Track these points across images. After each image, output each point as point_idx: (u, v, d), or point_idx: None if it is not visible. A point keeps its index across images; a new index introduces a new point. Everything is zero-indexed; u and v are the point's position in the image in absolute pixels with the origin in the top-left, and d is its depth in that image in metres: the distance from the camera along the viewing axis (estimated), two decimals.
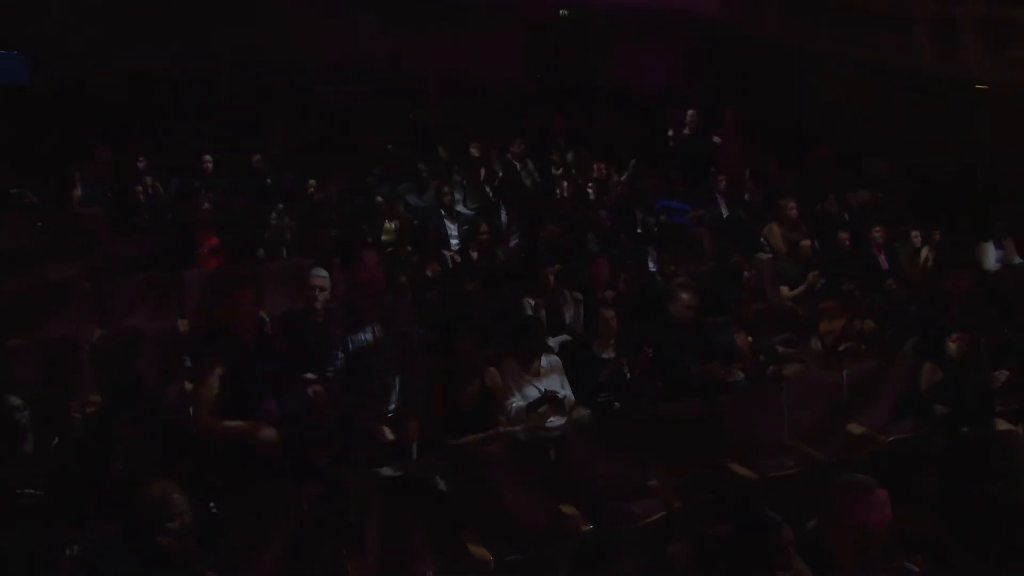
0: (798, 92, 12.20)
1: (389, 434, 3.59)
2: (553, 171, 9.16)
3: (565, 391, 4.62)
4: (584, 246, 6.65)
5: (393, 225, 6.73)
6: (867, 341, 5.76)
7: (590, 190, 7.61)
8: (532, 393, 4.53)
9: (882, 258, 7.18)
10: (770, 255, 7.04)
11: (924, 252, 7.26)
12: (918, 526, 3.53)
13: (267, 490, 3.39)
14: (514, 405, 4.45)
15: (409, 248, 6.45)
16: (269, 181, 7.39)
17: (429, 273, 5.89)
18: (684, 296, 5.09)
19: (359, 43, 13.07)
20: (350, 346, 3.49)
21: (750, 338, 5.46)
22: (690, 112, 8.45)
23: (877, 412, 5.07)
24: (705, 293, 5.42)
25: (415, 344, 3.73)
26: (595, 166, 8.52)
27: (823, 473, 4.45)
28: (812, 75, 12.02)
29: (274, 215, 6.34)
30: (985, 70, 9.38)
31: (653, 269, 6.83)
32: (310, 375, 3.57)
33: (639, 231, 7.35)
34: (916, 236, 7.35)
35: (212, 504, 3.29)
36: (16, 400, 3.56)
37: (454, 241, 6.91)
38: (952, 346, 5.08)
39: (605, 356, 4.88)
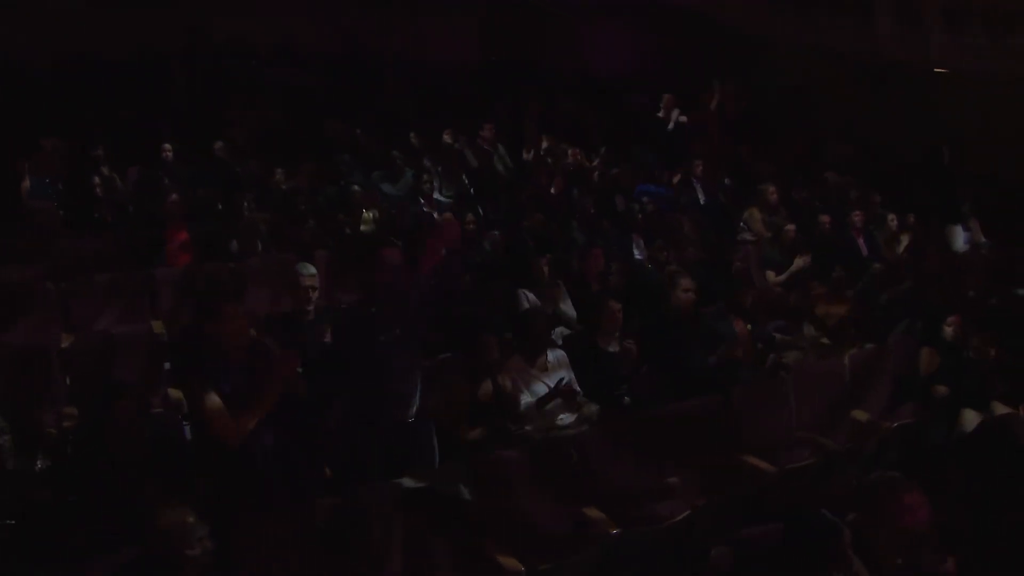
0: (760, 77, 12.24)
1: None
2: (525, 157, 8.99)
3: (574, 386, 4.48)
4: (570, 235, 6.50)
5: (371, 215, 6.44)
6: (857, 327, 5.78)
7: (567, 177, 7.44)
8: (540, 389, 4.37)
9: (861, 242, 7.23)
10: (754, 240, 7.01)
11: (904, 236, 7.33)
12: (948, 518, 3.49)
13: (279, 508, 3.14)
14: (524, 402, 4.29)
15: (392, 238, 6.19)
16: (238, 170, 6.98)
17: None
18: (683, 281, 4.99)
19: (312, 26, 12.59)
20: (369, 344, 3.26)
21: (749, 327, 5.40)
22: (665, 96, 8.35)
23: (878, 398, 5.08)
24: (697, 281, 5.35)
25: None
26: (570, 152, 8.36)
27: (839, 463, 4.46)
28: (774, 60, 12.06)
29: (246, 207, 5.99)
30: (946, 55, 9.52)
31: (639, 257, 6.74)
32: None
33: (621, 218, 7.23)
34: (893, 220, 7.42)
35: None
36: None
37: None
38: (949, 329, 5.11)
39: (610, 349, 4.76)
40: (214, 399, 3.01)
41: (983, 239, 7.97)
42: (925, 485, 3.27)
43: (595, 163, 8.66)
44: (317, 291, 4.30)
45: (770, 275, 6.73)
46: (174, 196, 5.76)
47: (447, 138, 8.54)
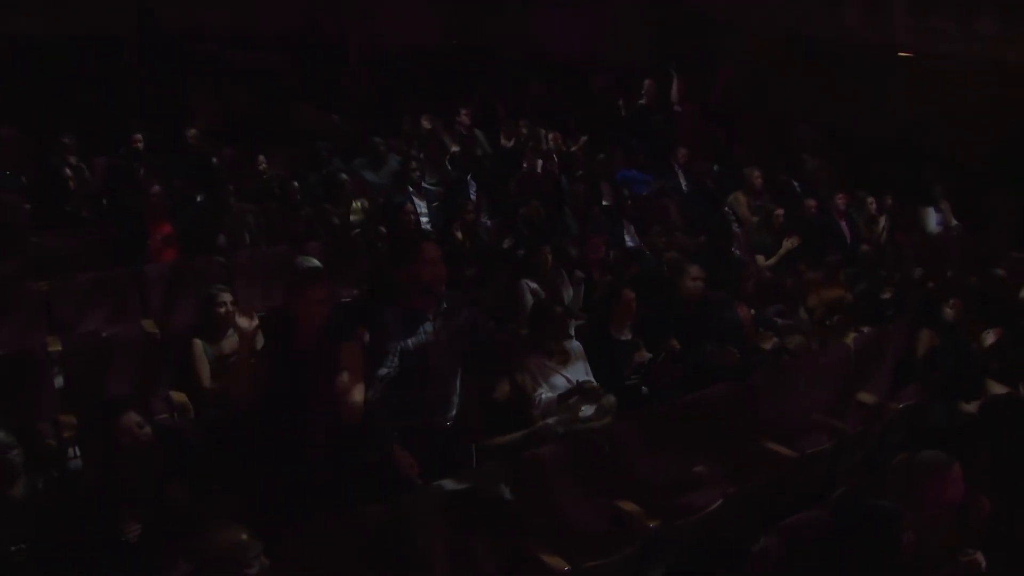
0: (723, 59, 12.31)
1: None
2: (503, 142, 8.86)
3: (589, 378, 4.43)
4: (564, 223, 6.43)
5: (359, 204, 6.25)
6: (850, 310, 5.87)
7: (555, 163, 7.36)
8: (559, 383, 4.30)
9: (843, 224, 7.35)
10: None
11: (883, 219, 7.48)
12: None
13: (328, 517, 3.01)
14: (544, 396, 4.22)
15: (383, 228, 6.03)
16: (215, 160, 6.68)
17: None
18: (692, 270, 4.99)
19: (270, 8, 12.16)
20: (409, 346, 3.14)
21: (752, 312, 5.43)
22: (647, 82, 8.31)
23: (881, 380, 5.18)
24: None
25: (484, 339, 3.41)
26: (551, 136, 8.27)
27: (851, 446, 4.53)
28: (738, 42, 12.15)
29: (233, 198, 5.73)
30: (911, 39, 9.72)
31: (630, 244, 6.72)
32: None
33: (610, 205, 7.18)
34: (872, 203, 7.56)
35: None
36: (4, 436, 3.01)
37: (424, 219, 6.52)
38: (948, 311, 5.23)
39: (623, 339, 4.72)
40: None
41: (954, 221, 8.20)
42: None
43: (574, 149, 8.59)
44: None
45: (759, 259, 6.80)
46: (156, 188, 5.47)
47: (426, 123, 8.35)
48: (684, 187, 8.06)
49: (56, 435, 3.81)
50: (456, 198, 6.62)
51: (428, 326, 3.22)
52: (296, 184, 6.08)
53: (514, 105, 10.16)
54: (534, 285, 5.30)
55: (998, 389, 4.92)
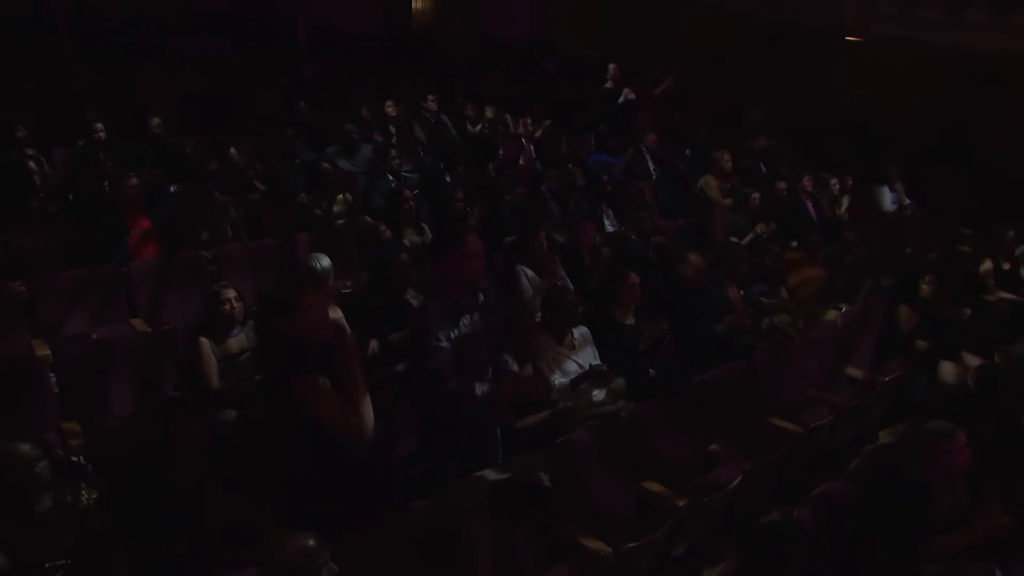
0: (673, 42, 12.49)
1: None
2: (469, 128, 8.80)
3: (597, 362, 4.48)
4: (546, 208, 6.44)
5: (344, 197, 6.13)
6: (828, 288, 6.09)
7: (532, 148, 7.35)
8: (571, 367, 4.35)
9: (810, 205, 7.59)
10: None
11: (845, 199, 7.76)
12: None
13: (377, 516, 2.97)
14: (557, 382, 4.25)
15: (368, 218, 5.94)
16: (188, 150, 6.42)
17: (407, 243, 5.46)
18: (693, 258, 5.10)
19: None
20: (451, 338, 3.11)
21: (742, 292, 5.57)
22: (611, 66, 8.37)
23: (865, 354, 5.41)
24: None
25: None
26: (520, 122, 8.26)
27: (850, 419, 4.72)
28: (687, 25, 12.35)
29: (215, 190, 5.54)
30: (858, 23, 10.05)
31: (609, 228, 6.78)
32: None
33: (586, 189, 7.22)
34: (835, 183, 7.82)
35: None
36: (31, 448, 2.86)
37: None
38: (925, 287, 5.48)
39: (628, 322, 4.78)
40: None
41: (906, 200, 8.56)
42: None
43: (538, 134, 8.60)
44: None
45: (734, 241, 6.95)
46: (133, 180, 5.23)
47: (390, 110, 8.22)
48: (653, 171, 8.17)
49: (62, 445, 3.63)
50: (435, 185, 6.56)
51: (468, 319, 3.21)
52: (279, 174, 5.89)
53: (469, 90, 10.11)
54: (530, 272, 5.32)
55: (973, 360, 5.19)
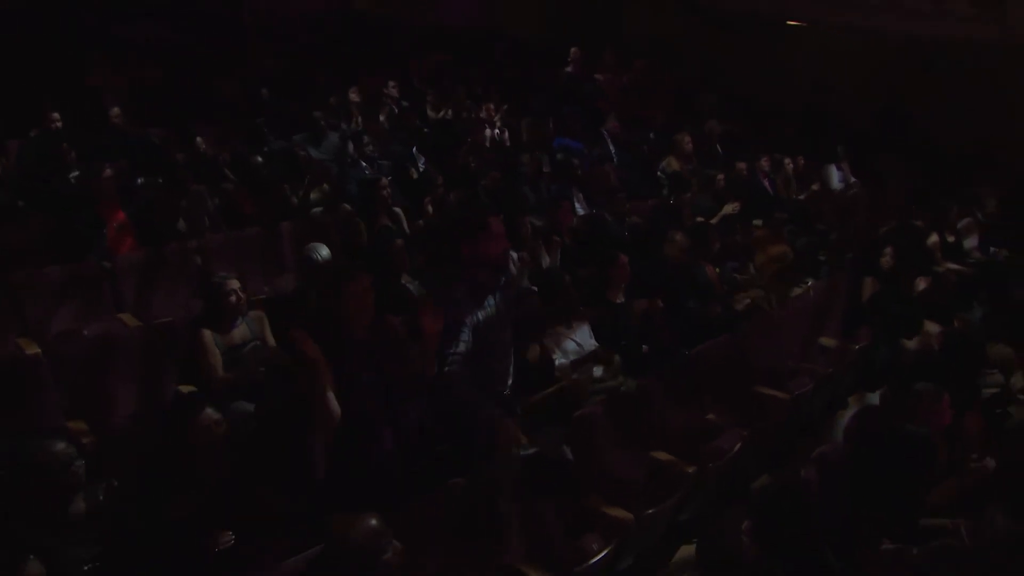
0: (622, 27, 12.69)
1: None
2: (431, 114, 8.79)
3: (593, 340, 4.63)
4: (520, 192, 6.53)
5: (323, 187, 6.09)
6: (794, 264, 6.38)
7: (499, 132, 7.42)
8: (570, 347, 4.48)
9: (767, 184, 7.90)
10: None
11: (799, 180, 8.11)
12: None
13: (415, 497, 3.04)
14: (558, 361, 4.38)
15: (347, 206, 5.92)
16: (156, 141, 6.24)
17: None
18: (679, 237, 5.28)
19: None
20: (479, 320, 3.19)
21: (717, 270, 5.80)
22: (573, 50, 8.48)
23: (835, 325, 5.71)
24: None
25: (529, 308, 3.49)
26: (484, 107, 8.31)
27: (827, 386, 5.00)
28: (637, 12, 12.56)
29: (193, 181, 5.43)
30: (799, 8, 10.43)
31: (580, 211, 6.92)
32: None
33: (553, 173, 7.33)
34: (789, 163, 8.16)
35: None
36: (65, 446, 2.81)
37: None
38: (885, 260, 5.81)
39: (619, 301, 4.94)
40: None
41: (852, 178, 8.99)
42: None
43: (497, 118, 8.66)
44: None
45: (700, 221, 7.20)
46: (108, 171, 5.08)
47: (354, 96, 8.15)
48: (614, 154, 8.34)
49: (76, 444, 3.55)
50: (408, 172, 6.57)
51: (493, 300, 3.29)
52: (260, 163, 5.80)
53: (426, 76, 10.07)
54: (515, 254, 5.41)
55: (933, 328, 5.55)
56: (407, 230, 5.58)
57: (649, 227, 5.86)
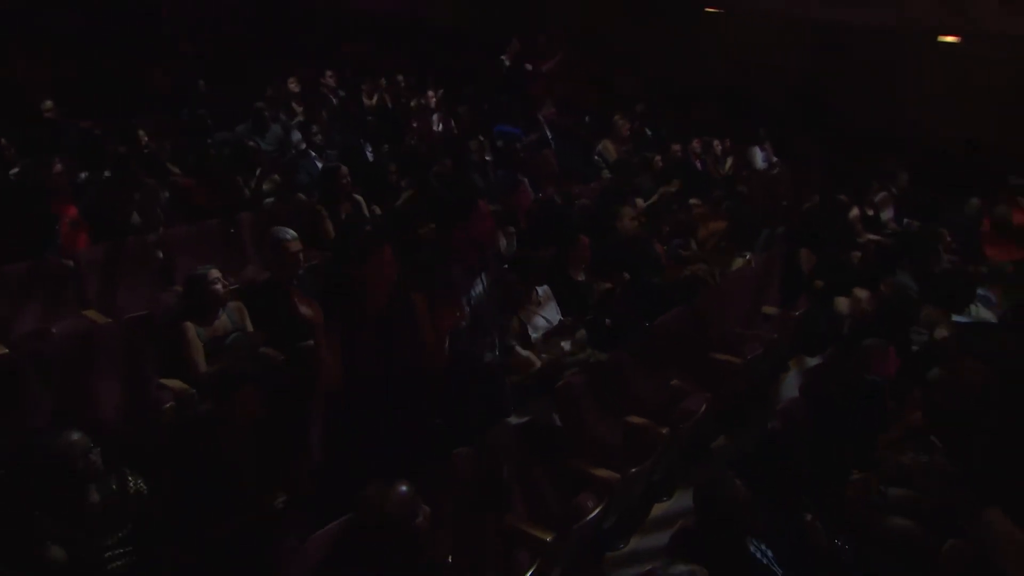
0: (544, 13, 12.91)
1: None
2: (366, 101, 8.81)
3: (559, 316, 4.86)
4: (471, 178, 6.68)
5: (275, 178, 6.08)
6: (732, 238, 6.79)
7: (451, 120, 7.53)
8: (540, 323, 4.70)
9: (698, 164, 8.31)
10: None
11: (728, 159, 8.54)
12: None
13: (424, 466, 3.19)
14: (532, 336, 4.59)
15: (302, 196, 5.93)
16: (98, 133, 6.06)
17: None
18: (628, 211, 5.55)
19: None
20: (472, 299, 3.35)
21: (664, 247, 6.12)
22: (513, 39, 8.66)
23: (774, 294, 6.12)
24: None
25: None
26: (427, 95, 8.39)
27: (783, 350, 5.40)
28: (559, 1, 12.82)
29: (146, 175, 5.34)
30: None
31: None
32: None
33: (496, 159, 7.50)
34: (718, 145, 8.59)
35: None
36: (81, 436, 2.83)
37: None
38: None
39: (580, 279, 5.18)
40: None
41: (774, 158, 9.53)
42: None
43: (433, 105, 8.76)
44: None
45: (639, 202, 7.52)
46: (59, 166, 4.94)
47: (292, 86, 8.10)
48: (551, 139, 8.58)
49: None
50: (357, 160, 6.62)
51: (482, 278, 3.45)
52: (213, 155, 5.74)
53: (355, 64, 10.07)
54: (511, 228, 5.57)
55: (863, 293, 6.02)
56: (368, 216, 5.65)
57: (597, 209, 6.11)
